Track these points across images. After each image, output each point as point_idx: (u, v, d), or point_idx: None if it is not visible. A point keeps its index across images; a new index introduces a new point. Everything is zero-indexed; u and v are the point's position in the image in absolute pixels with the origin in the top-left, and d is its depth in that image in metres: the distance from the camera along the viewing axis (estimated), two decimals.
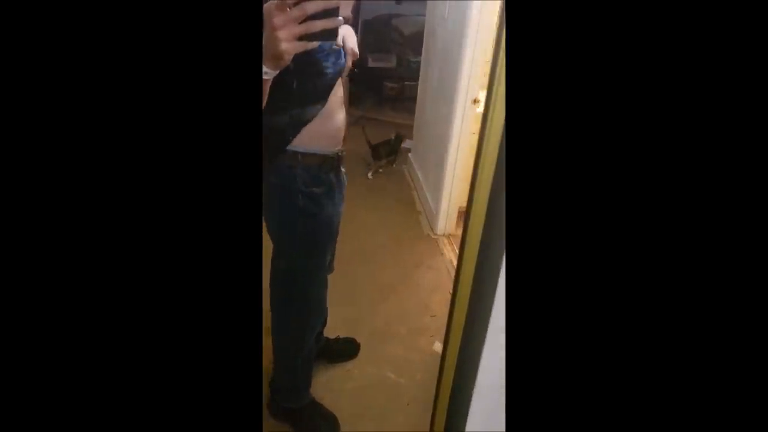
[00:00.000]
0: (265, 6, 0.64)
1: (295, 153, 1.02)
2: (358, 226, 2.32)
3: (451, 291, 2.02)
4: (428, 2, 2.68)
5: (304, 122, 0.99)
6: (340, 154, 1.10)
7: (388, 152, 3.06)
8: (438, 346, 1.71)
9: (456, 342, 0.92)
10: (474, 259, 0.85)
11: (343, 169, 1.15)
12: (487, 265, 0.87)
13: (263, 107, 0.81)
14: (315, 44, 0.68)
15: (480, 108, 2.02)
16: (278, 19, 0.63)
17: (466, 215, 0.86)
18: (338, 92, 1.04)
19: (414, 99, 3.09)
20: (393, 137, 3.08)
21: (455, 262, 2.14)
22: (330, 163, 1.07)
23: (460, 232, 2.35)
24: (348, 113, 1.08)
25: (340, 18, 0.65)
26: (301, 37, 0.65)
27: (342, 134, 1.09)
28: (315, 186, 1.05)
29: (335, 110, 1.04)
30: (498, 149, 0.75)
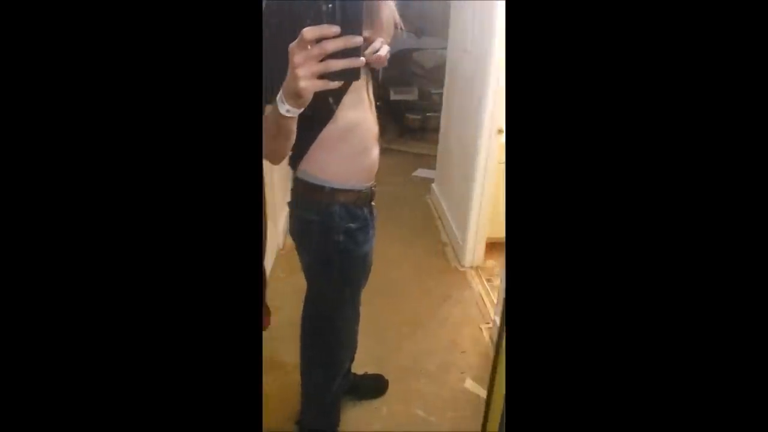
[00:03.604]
0: (290, 45, 0.65)
1: (332, 190, 1.01)
2: (381, 258, 2.30)
3: (481, 325, 1.97)
4: (450, 35, 2.72)
5: (319, 124, 0.96)
6: (373, 188, 1.10)
7: None
8: (470, 384, 1.65)
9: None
10: None
11: (373, 204, 1.14)
12: None
13: (287, 139, 0.81)
14: (336, 84, 0.67)
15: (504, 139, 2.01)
16: (298, 57, 0.63)
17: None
18: (373, 128, 1.04)
19: (435, 130, 3.11)
20: None
21: (484, 295, 2.10)
22: (364, 198, 1.07)
23: (488, 264, 2.33)
24: None
25: (362, 58, 0.65)
26: (322, 76, 0.65)
27: (375, 169, 1.09)
28: (351, 222, 1.04)
29: (370, 146, 1.04)
30: None
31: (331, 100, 0.92)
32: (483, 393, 1.60)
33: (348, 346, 1.26)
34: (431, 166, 3.28)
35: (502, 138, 2.07)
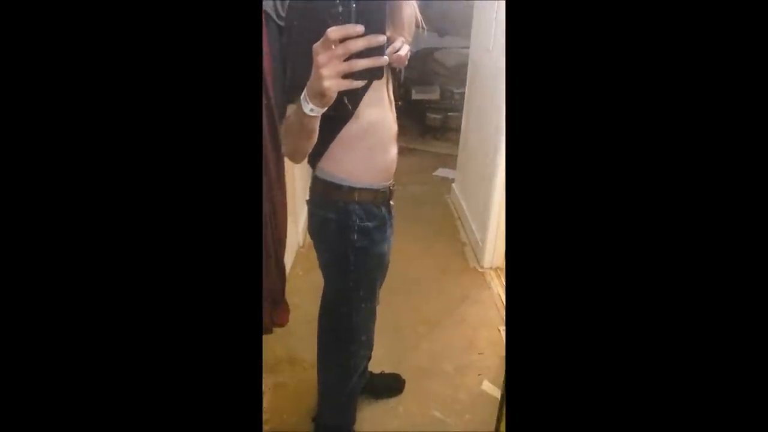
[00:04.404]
0: (315, 45, 0.65)
1: (351, 188, 1.02)
2: (400, 257, 2.30)
3: (499, 327, 1.94)
4: (472, 35, 2.70)
5: (336, 125, 0.96)
6: (391, 188, 1.10)
7: None
8: (487, 386, 1.64)
9: None
10: None
11: (392, 203, 1.14)
12: None
13: (309, 138, 0.82)
14: (360, 83, 0.68)
15: None
16: (322, 57, 0.64)
17: None
18: (392, 127, 1.04)
19: (456, 129, 3.09)
20: None
21: (503, 297, 2.08)
22: (382, 197, 1.07)
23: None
24: None
25: (385, 57, 0.65)
26: (346, 75, 0.65)
27: (393, 169, 1.09)
28: (368, 220, 1.04)
29: (389, 145, 1.04)
30: None
31: (351, 99, 0.93)
32: (500, 395, 1.58)
33: (364, 344, 1.26)
34: (452, 166, 3.27)
35: None
